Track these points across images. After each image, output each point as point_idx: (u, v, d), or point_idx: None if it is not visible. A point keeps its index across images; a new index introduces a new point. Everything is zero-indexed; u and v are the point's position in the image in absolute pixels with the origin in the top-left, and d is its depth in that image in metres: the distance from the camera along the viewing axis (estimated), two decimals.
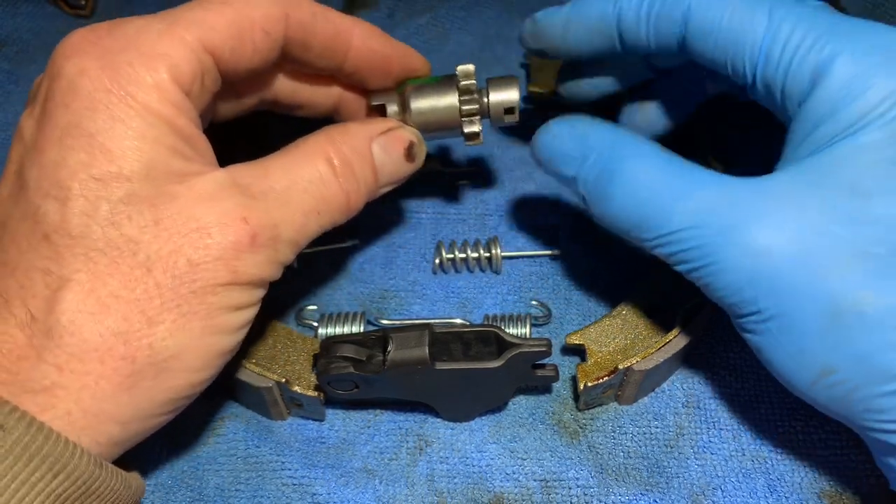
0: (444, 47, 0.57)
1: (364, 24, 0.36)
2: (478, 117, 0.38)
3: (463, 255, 0.45)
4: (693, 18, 0.32)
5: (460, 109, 0.37)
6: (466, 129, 0.38)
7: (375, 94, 0.39)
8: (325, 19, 0.34)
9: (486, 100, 0.38)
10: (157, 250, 0.28)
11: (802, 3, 0.32)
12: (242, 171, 0.31)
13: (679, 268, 0.32)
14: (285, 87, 0.38)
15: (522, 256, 0.46)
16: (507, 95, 0.38)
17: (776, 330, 0.30)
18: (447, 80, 0.38)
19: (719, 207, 0.30)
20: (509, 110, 0.38)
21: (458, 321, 0.42)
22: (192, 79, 0.30)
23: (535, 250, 0.46)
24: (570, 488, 0.38)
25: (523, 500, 0.37)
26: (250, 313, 0.31)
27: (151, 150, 0.28)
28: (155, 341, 0.28)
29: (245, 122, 0.39)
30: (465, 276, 0.45)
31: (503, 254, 0.45)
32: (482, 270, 0.45)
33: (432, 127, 0.38)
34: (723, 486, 0.37)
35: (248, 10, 0.31)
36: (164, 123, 0.29)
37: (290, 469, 0.38)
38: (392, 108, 0.38)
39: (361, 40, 0.36)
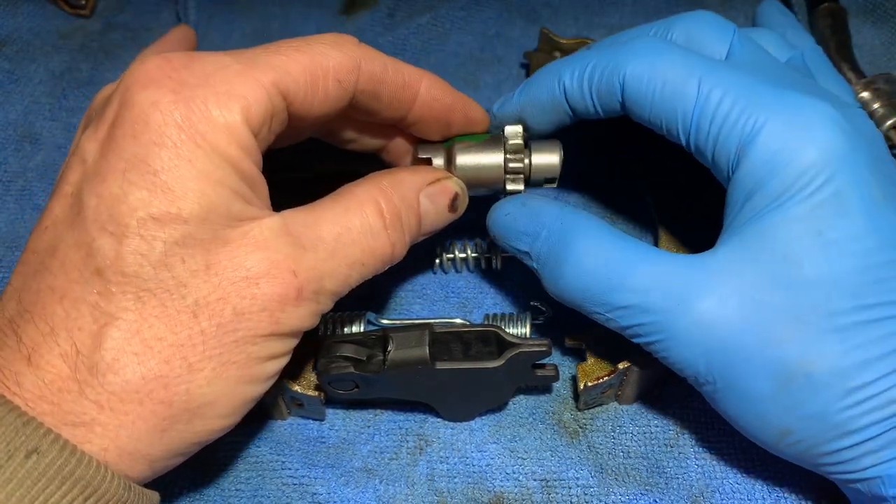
0: (444, 47, 0.57)
1: (430, 76, 0.36)
2: (521, 177, 0.38)
3: (463, 255, 0.45)
4: (628, 88, 0.34)
5: (505, 167, 0.38)
6: (510, 187, 0.38)
7: (423, 147, 0.39)
8: (396, 71, 0.34)
9: (528, 160, 0.38)
10: (205, 296, 0.28)
11: (733, 68, 0.33)
12: (295, 219, 0.31)
13: (635, 341, 0.34)
14: (342, 125, 0.38)
15: None
16: (550, 160, 0.38)
17: (733, 398, 0.32)
18: (494, 140, 0.39)
19: (666, 283, 0.32)
20: (550, 180, 0.39)
21: (459, 321, 0.42)
22: (263, 122, 0.30)
23: None
24: (570, 488, 0.38)
25: (523, 500, 0.37)
26: (283, 362, 0.31)
27: (213, 193, 0.28)
28: (193, 387, 0.28)
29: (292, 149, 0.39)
30: (466, 275, 0.45)
31: (503, 254, 0.45)
32: (483, 270, 0.45)
33: (474, 183, 0.38)
34: (722, 486, 0.38)
35: (322, 59, 0.31)
36: (230, 166, 0.29)
37: (290, 469, 0.38)
38: (438, 162, 0.38)
39: (427, 90, 0.36)
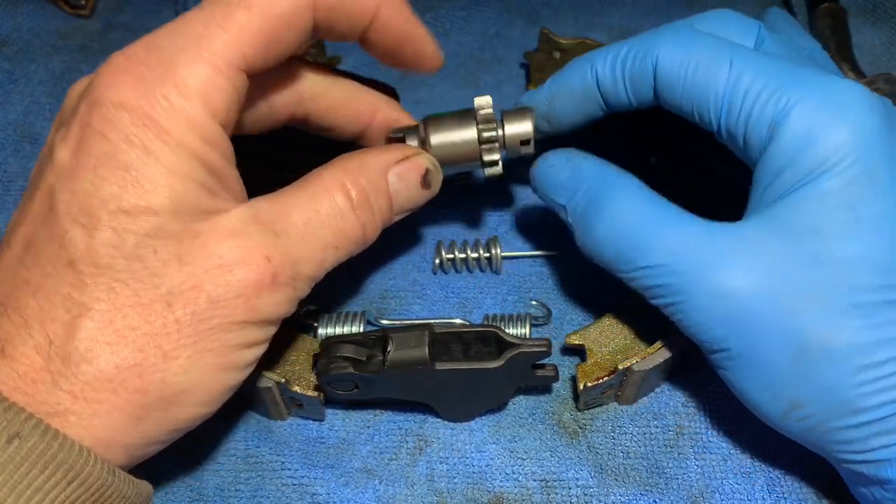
0: (444, 47, 0.56)
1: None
2: (496, 145, 0.38)
3: (463, 255, 0.45)
4: (661, 72, 0.34)
5: (479, 138, 0.38)
6: (486, 157, 0.38)
7: (396, 129, 0.39)
8: None
9: (501, 131, 0.38)
10: (178, 285, 0.28)
11: (763, 52, 0.34)
12: (264, 206, 0.31)
13: (654, 301, 0.34)
14: (318, 107, 0.38)
15: (522, 256, 0.46)
16: (523, 127, 0.38)
17: (746, 366, 0.32)
18: (465, 113, 0.39)
19: (693, 248, 0.32)
20: (525, 141, 0.39)
21: (458, 321, 0.42)
22: (227, 106, 0.30)
23: (535, 250, 0.46)
24: (569, 488, 0.38)
25: (523, 500, 0.37)
26: (260, 350, 0.32)
27: (181, 187, 0.28)
28: (168, 376, 0.28)
29: (268, 138, 0.39)
30: (465, 276, 0.45)
31: (503, 254, 0.45)
32: (482, 270, 0.46)
33: (452, 158, 0.38)
34: (722, 487, 0.38)
35: (275, 8, 0.30)
36: (197, 160, 0.29)
37: (289, 469, 0.38)
38: (412, 142, 0.38)
39: (386, 11, 0.34)
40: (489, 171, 0.39)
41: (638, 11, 0.59)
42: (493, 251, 0.44)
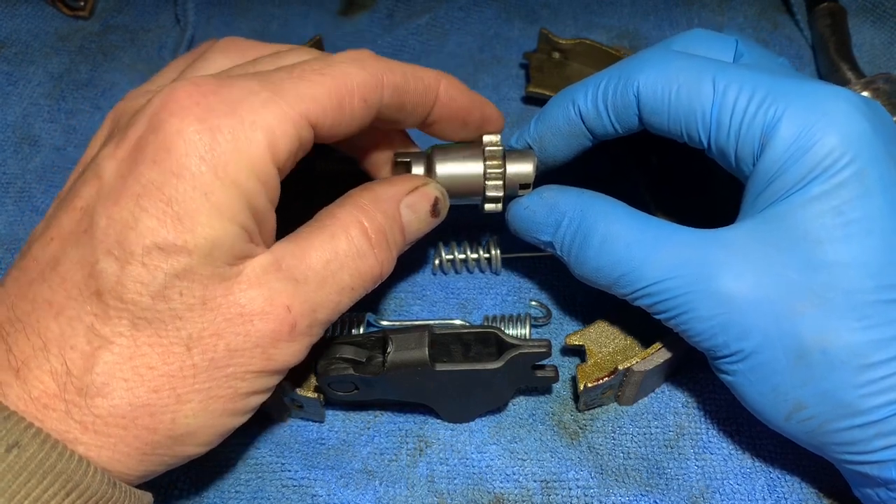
0: (443, 48, 0.57)
1: (448, 77, 0.36)
2: (501, 183, 0.38)
3: (462, 256, 0.45)
4: (644, 99, 0.34)
5: (485, 173, 0.38)
6: (489, 193, 0.38)
7: (401, 154, 0.39)
8: (416, 78, 0.34)
9: (504, 168, 0.38)
10: (199, 331, 0.28)
11: (744, 66, 0.34)
12: (285, 252, 0.31)
13: (658, 317, 0.34)
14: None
15: (522, 257, 0.46)
16: (525, 168, 0.38)
17: (748, 371, 0.32)
18: (472, 146, 0.38)
19: (688, 260, 0.33)
20: (524, 185, 0.38)
21: (458, 322, 0.42)
22: (289, 154, 0.30)
23: (535, 251, 0.46)
24: (570, 489, 0.38)
25: (523, 501, 0.37)
26: (265, 397, 0.32)
27: (221, 229, 0.28)
28: (178, 417, 0.29)
29: None
30: (465, 276, 0.45)
31: (503, 255, 0.45)
32: (482, 271, 0.45)
33: (453, 189, 0.38)
34: (722, 487, 0.37)
35: (347, 80, 0.31)
36: (245, 201, 0.29)
37: (290, 470, 0.38)
38: (418, 169, 0.38)
39: (446, 92, 0.36)
40: (489, 206, 0.39)
41: (637, 11, 0.59)
42: (493, 252, 0.44)
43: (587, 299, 0.44)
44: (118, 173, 0.29)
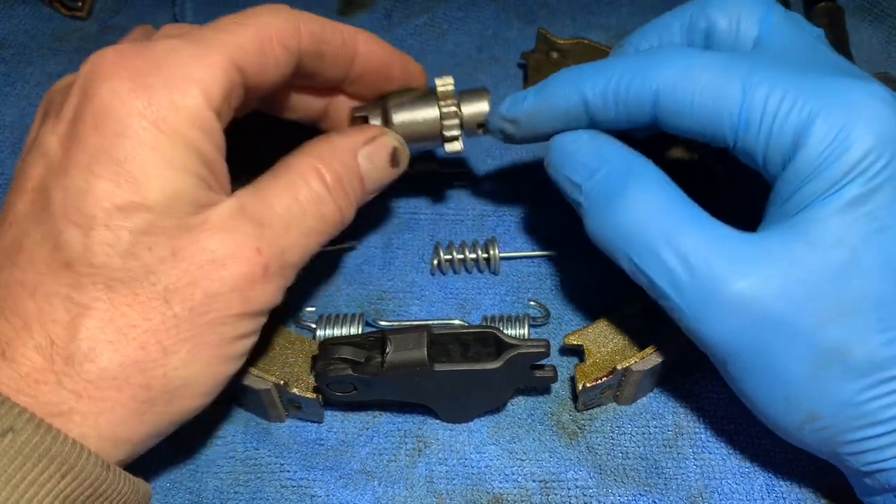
0: (441, 48, 0.57)
1: (367, 32, 0.38)
2: (457, 121, 0.39)
3: (461, 256, 0.45)
4: (663, 101, 0.33)
5: (441, 114, 0.39)
6: (447, 133, 0.39)
7: (357, 108, 0.40)
8: (334, 29, 0.36)
9: (460, 108, 0.39)
10: (174, 281, 0.29)
11: (773, 61, 0.32)
12: (249, 198, 0.32)
13: (661, 302, 0.33)
14: (283, 93, 0.39)
15: (521, 257, 0.46)
16: (480, 107, 0.39)
17: (761, 378, 0.31)
18: (426, 93, 0.40)
19: (714, 251, 0.31)
20: (481, 124, 0.39)
21: (457, 322, 0.42)
22: (223, 100, 0.30)
23: (534, 251, 0.46)
24: (568, 489, 0.38)
25: (522, 501, 0.37)
26: (254, 340, 0.32)
27: (176, 179, 0.29)
28: (169, 370, 0.29)
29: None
30: (464, 277, 0.45)
31: (501, 254, 0.45)
32: (480, 271, 0.45)
33: (413, 136, 0.39)
34: (721, 486, 0.38)
35: (266, 27, 0.32)
36: (193, 150, 0.29)
37: (289, 471, 0.38)
38: (375, 121, 0.39)
39: (366, 46, 0.37)
40: (450, 147, 0.40)
41: (635, 11, 0.59)
42: (492, 252, 0.44)
43: (586, 299, 0.44)
44: (62, 147, 0.29)
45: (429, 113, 0.39)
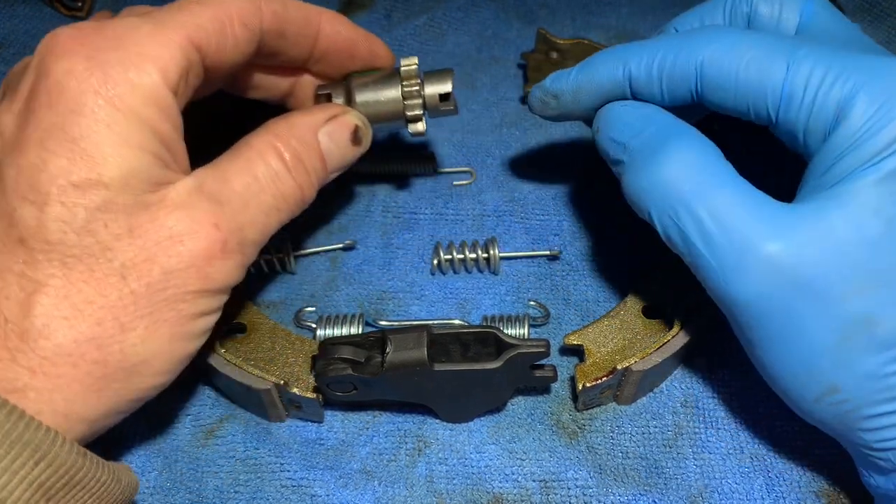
0: (441, 48, 0.57)
1: (330, 12, 0.38)
2: (419, 101, 0.39)
3: (461, 256, 0.45)
4: (707, 74, 0.33)
5: (402, 93, 0.39)
6: (409, 113, 0.40)
7: (321, 86, 0.40)
8: (295, 7, 0.36)
9: (423, 91, 0.40)
10: (131, 258, 0.29)
11: (815, 40, 0.33)
12: (207, 176, 0.32)
13: (691, 261, 0.33)
14: (246, 74, 0.39)
15: (520, 257, 0.46)
16: (442, 85, 0.40)
17: (784, 346, 0.31)
18: (390, 73, 0.40)
19: (751, 212, 0.31)
20: (444, 96, 0.40)
21: (457, 322, 0.42)
22: (180, 78, 0.30)
23: (533, 251, 0.46)
24: (568, 489, 0.38)
25: (522, 501, 0.37)
26: (214, 319, 0.32)
27: (133, 158, 0.29)
28: (126, 347, 0.29)
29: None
30: (464, 276, 0.45)
31: (501, 254, 0.45)
32: (480, 271, 0.46)
33: (376, 116, 0.40)
34: (721, 486, 0.38)
35: (225, 6, 0.32)
36: (149, 128, 0.29)
37: (289, 471, 0.38)
38: (338, 100, 0.40)
39: (330, 25, 0.38)
40: (413, 127, 0.40)
41: (635, 12, 0.59)
42: (492, 252, 0.44)
43: (586, 299, 0.44)
44: (17, 125, 0.29)
45: (391, 92, 0.39)
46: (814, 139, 0.32)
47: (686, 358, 0.41)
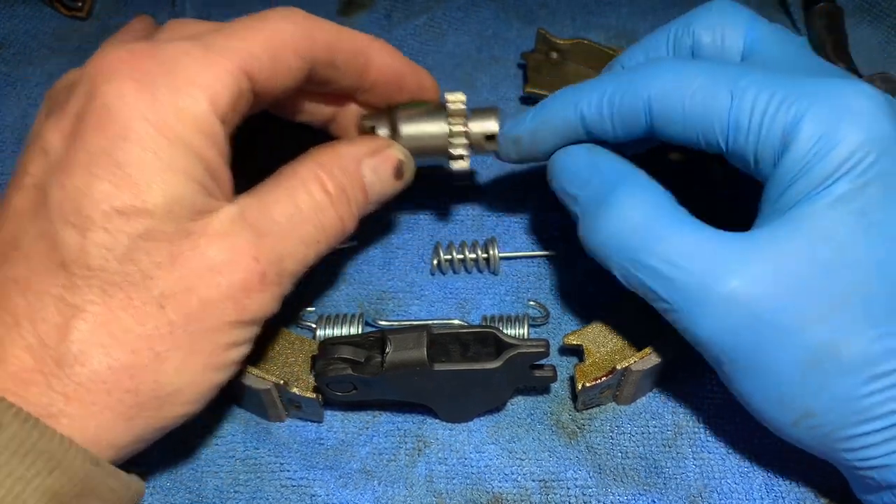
0: (441, 48, 0.57)
1: (381, 42, 0.37)
2: (465, 141, 0.39)
3: (461, 256, 0.45)
4: (655, 109, 0.33)
5: (450, 132, 0.39)
6: (454, 151, 0.39)
7: (366, 116, 0.40)
8: (349, 37, 0.35)
9: (469, 125, 0.39)
10: (171, 287, 0.29)
11: (760, 67, 0.33)
12: (249, 204, 0.31)
13: (657, 306, 0.33)
14: (293, 98, 0.38)
15: (520, 257, 0.46)
16: (489, 125, 0.39)
17: (755, 377, 0.31)
18: (436, 106, 0.40)
19: (704, 252, 0.31)
20: (490, 137, 0.39)
21: (457, 322, 0.42)
22: (230, 107, 0.30)
23: (533, 251, 0.46)
24: (568, 488, 0.38)
25: (522, 501, 0.37)
26: (246, 350, 0.32)
27: (178, 185, 0.29)
28: (160, 376, 0.29)
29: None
30: (463, 276, 0.45)
31: (501, 254, 0.45)
32: (480, 271, 0.46)
33: (421, 150, 0.39)
34: (721, 486, 0.38)
35: (279, 34, 0.32)
36: (195, 156, 0.29)
37: (288, 470, 0.38)
38: (382, 131, 0.39)
39: (380, 56, 0.37)
40: (456, 165, 0.40)
41: (635, 12, 0.59)
42: (491, 252, 0.44)
43: (586, 299, 0.44)
44: (63, 146, 0.29)
45: (437, 128, 0.39)
46: (765, 165, 0.32)
47: (685, 358, 0.41)
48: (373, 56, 0.37)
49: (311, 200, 0.33)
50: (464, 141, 0.39)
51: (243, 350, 0.32)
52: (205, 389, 0.31)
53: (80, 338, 0.28)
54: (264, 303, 0.31)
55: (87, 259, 0.28)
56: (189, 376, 0.30)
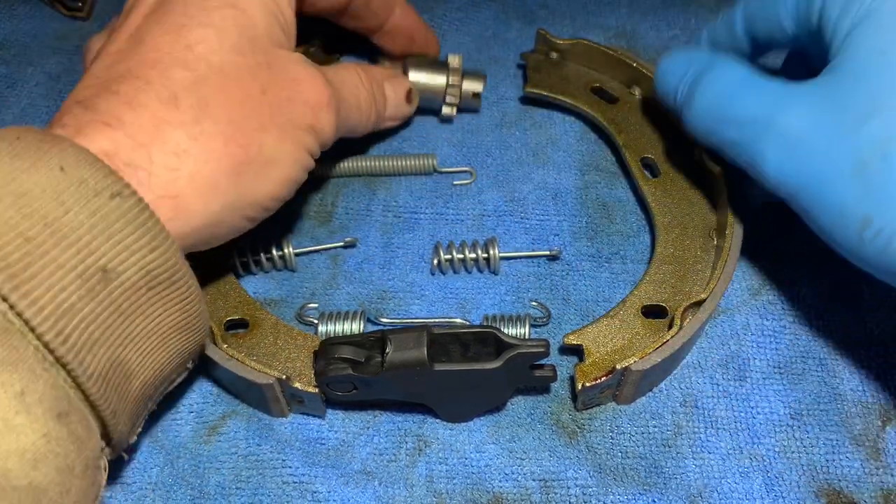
0: (441, 48, 0.57)
1: (403, 1, 0.49)
2: (457, 93, 0.50)
3: (461, 256, 0.45)
4: None
5: (447, 83, 0.50)
6: (448, 99, 0.50)
7: (383, 59, 0.52)
8: None
9: (462, 84, 0.51)
10: (267, 81, 0.35)
11: None
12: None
13: (748, 162, 0.37)
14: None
15: (520, 257, 0.46)
16: (477, 84, 0.51)
17: (816, 197, 0.33)
18: (439, 62, 0.51)
19: (769, 104, 0.35)
20: (476, 94, 0.51)
21: (457, 322, 0.43)
22: None
23: (533, 251, 0.46)
24: (568, 488, 0.38)
25: (522, 501, 0.38)
26: (305, 174, 0.38)
27: (270, 16, 0.36)
28: (263, 142, 0.34)
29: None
30: (464, 276, 0.45)
31: (501, 254, 0.45)
32: (480, 271, 0.46)
33: (422, 92, 0.50)
34: (720, 486, 0.38)
35: None
36: (277, 5, 0.36)
37: (290, 467, 0.38)
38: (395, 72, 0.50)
39: (402, 8, 0.49)
40: (445, 110, 0.51)
41: (634, 12, 0.59)
42: (492, 252, 0.45)
43: (586, 299, 0.44)
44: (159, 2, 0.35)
45: (438, 79, 0.50)
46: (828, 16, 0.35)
47: (685, 358, 0.41)
48: (396, 6, 0.48)
49: (355, 76, 0.42)
50: (456, 92, 0.50)
51: (308, 163, 0.37)
52: (291, 175, 0.36)
53: (206, 92, 0.33)
54: (328, 123, 0.37)
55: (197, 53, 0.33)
56: (283, 153, 0.35)
